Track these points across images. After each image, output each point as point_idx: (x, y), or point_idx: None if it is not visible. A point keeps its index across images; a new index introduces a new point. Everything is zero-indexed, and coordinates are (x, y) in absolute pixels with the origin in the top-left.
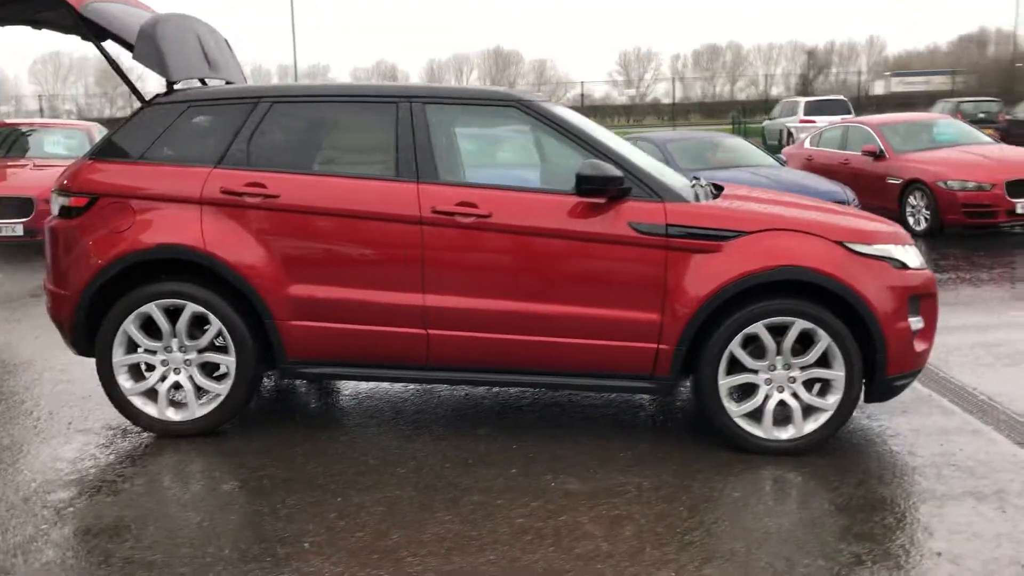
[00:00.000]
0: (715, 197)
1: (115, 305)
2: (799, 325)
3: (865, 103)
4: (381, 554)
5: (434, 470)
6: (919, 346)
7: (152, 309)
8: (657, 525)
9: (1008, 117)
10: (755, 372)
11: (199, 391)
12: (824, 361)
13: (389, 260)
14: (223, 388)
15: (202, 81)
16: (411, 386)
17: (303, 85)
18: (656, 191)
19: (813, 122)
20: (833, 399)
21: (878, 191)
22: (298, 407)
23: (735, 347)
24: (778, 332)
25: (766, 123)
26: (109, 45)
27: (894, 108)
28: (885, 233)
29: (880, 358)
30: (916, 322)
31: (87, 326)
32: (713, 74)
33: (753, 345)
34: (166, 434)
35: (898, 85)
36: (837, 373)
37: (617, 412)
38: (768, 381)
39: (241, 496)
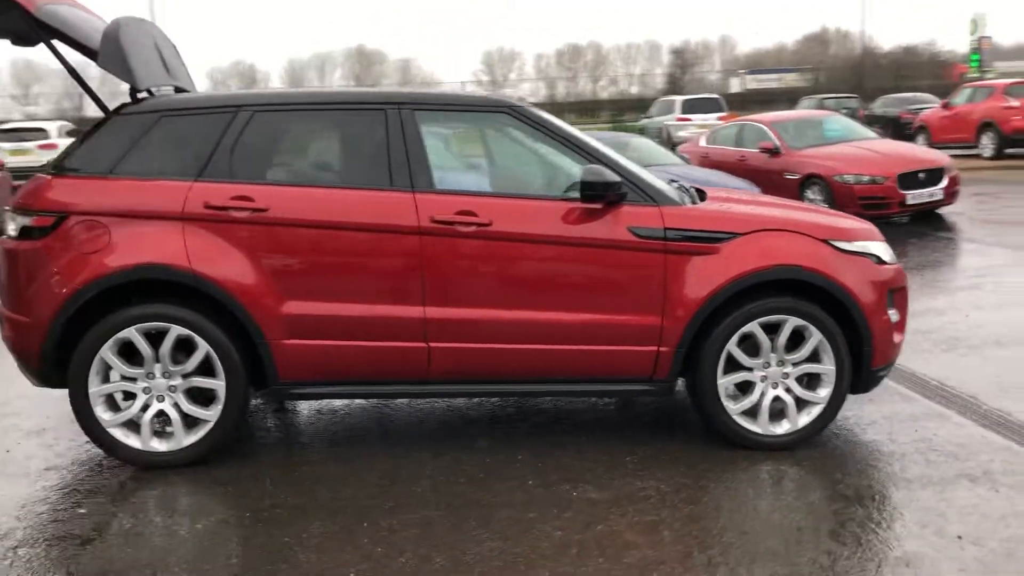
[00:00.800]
0: (701, 200)
1: (89, 331)
2: (792, 322)
3: (729, 101)
4: None
5: (451, 487)
6: (896, 338)
7: (132, 334)
8: (692, 528)
9: (866, 112)
10: (750, 370)
11: (186, 419)
12: (814, 356)
13: (387, 272)
14: (212, 414)
15: (178, 88)
16: (391, 401)
17: (285, 92)
18: (651, 195)
19: (690, 120)
20: (824, 392)
21: (776, 186)
22: (275, 428)
23: (732, 346)
24: (771, 330)
25: (644, 121)
26: (67, 52)
27: (758, 105)
28: (862, 230)
29: (866, 351)
30: (893, 315)
31: (56, 355)
32: (575, 73)
33: (747, 343)
34: (150, 466)
35: (752, 82)
36: (828, 367)
37: (603, 416)
38: (763, 378)
39: (259, 529)
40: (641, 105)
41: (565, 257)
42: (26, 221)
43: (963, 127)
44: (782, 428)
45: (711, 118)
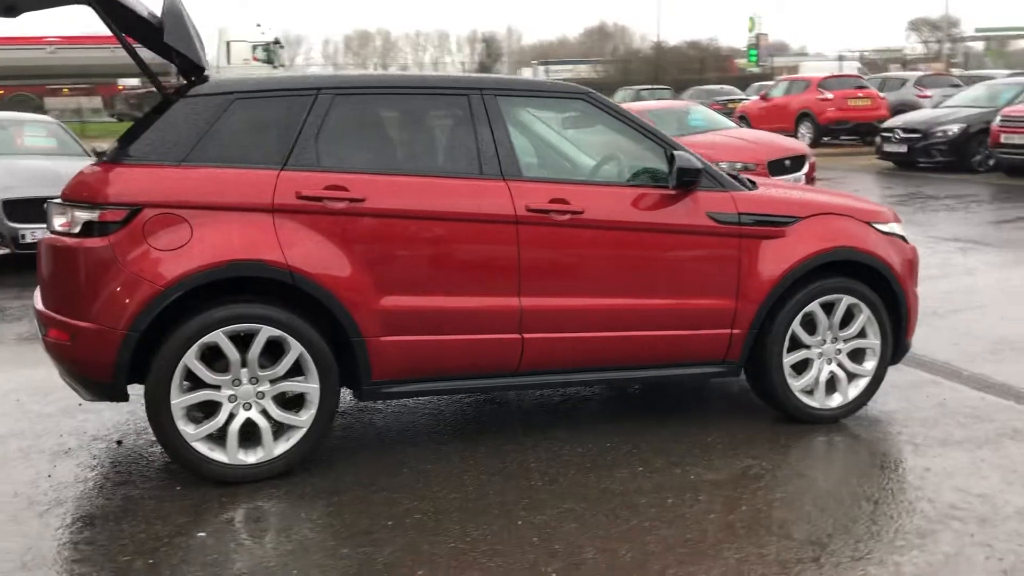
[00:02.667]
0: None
1: (172, 336)
2: (846, 301)
3: None
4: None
5: (568, 478)
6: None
7: (219, 337)
8: (826, 500)
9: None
10: (809, 348)
11: (275, 427)
12: (862, 331)
13: (484, 263)
14: (304, 420)
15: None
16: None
17: (364, 75)
18: (719, 180)
19: None
20: (870, 365)
21: None
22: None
23: (796, 326)
24: (826, 309)
25: None
26: None
27: None
28: (890, 213)
29: (903, 325)
30: (918, 290)
31: (130, 365)
32: (364, 60)
33: (805, 323)
34: (238, 481)
35: (545, 74)
36: (874, 342)
37: (640, 400)
38: (820, 355)
39: (416, 536)
40: None
41: (651, 244)
42: (89, 215)
43: (782, 117)
44: (835, 401)
45: None
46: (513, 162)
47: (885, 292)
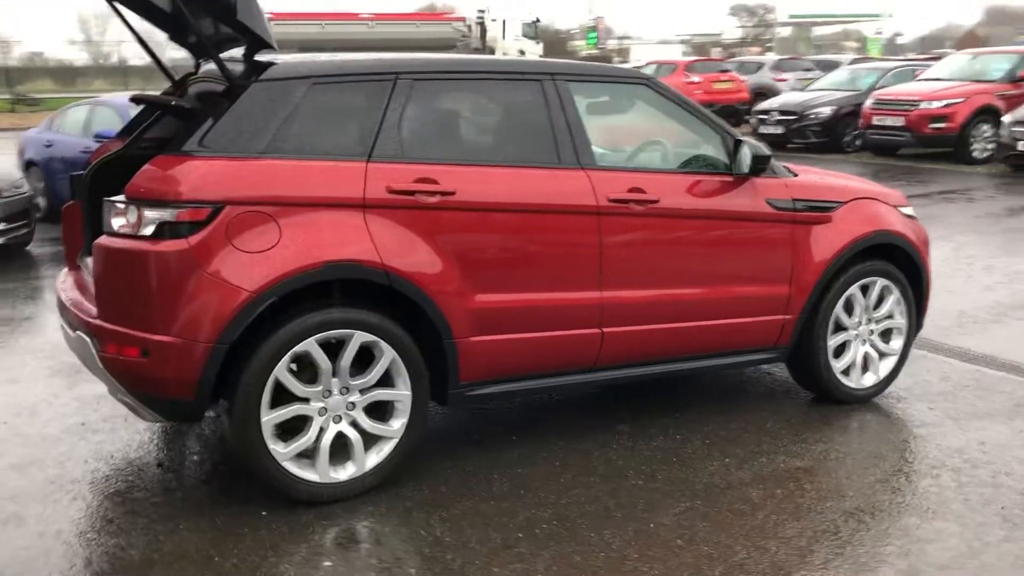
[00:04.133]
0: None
1: (262, 347)
2: (880, 283)
3: None
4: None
5: (665, 474)
6: None
7: (312, 346)
8: (941, 478)
9: None
10: (846, 330)
11: (366, 438)
12: (890, 312)
13: (570, 257)
14: (396, 429)
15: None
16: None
17: (439, 59)
18: (773, 168)
19: None
20: (897, 344)
21: None
22: None
23: (839, 309)
24: (862, 291)
25: None
26: None
27: None
28: (905, 196)
29: (924, 304)
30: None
31: (214, 381)
32: None
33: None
34: (330, 501)
35: None
36: (901, 321)
37: (676, 386)
38: (856, 336)
39: (556, 545)
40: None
41: (717, 232)
42: (164, 215)
43: None
44: (869, 381)
45: None
46: (588, 150)
47: (910, 273)
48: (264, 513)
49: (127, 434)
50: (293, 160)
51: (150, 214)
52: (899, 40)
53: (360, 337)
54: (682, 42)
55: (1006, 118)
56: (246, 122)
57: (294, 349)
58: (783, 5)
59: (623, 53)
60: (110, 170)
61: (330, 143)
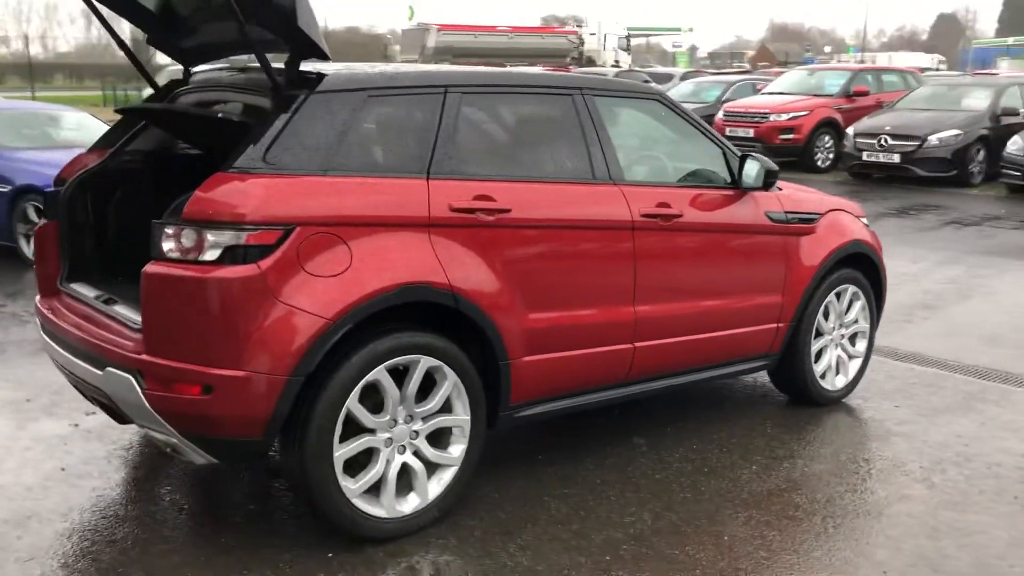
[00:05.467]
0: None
1: (335, 377)
2: (851, 290)
3: None
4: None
5: (708, 486)
6: None
7: (382, 374)
8: (948, 472)
9: None
10: (823, 335)
11: (428, 468)
12: (856, 317)
13: (610, 272)
14: (456, 457)
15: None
16: None
17: (484, 72)
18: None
19: None
20: (862, 347)
21: None
22: None
23: (820, 315)
24: (836, 298)
25: (147, 92)
26: None
27: None
28: (860, 208)
29: (881, 308)
30: None
31: (287, 417)
32: None
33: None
34: (394, 536)
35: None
36: (865, 326)
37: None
38: (831, 341)
39: (650, 565)
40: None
41: (731, 244)
42: (232, 238)
43: None
44: (841, 383)
45: None
46: (617, 165)
47: (872, 280)
48: (330, 555)
49: (118, 478)
50: (357, 177)
51: (214, 237)
52: (698, 55)
53: (426, 363)
54: None
55: (851, 130)
56: (307, 136)
57: (366, 378)
58: (592, 18)
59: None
60: (90, 187)
61: (389, 159)
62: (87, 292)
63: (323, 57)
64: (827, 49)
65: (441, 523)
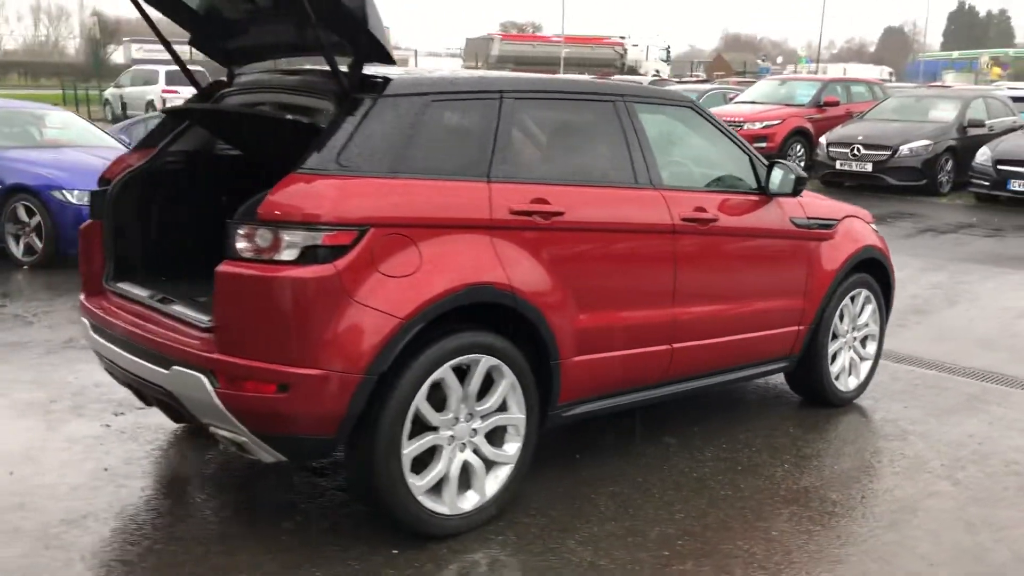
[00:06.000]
0: None
1: (405, 375)
2: (864, 294)
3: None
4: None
5: (747, 484)
6: None
7: (447, 372)
8: (968, 470)
9: None
10: (838, 338)
11: (486, 465)
12: (867, 320)
13: (652, 275)
14: (512, 455)
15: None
16: None
17: (534, 78)
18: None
19: (177, 92)
20: (871, 348)
21: None
22: None
23: (836, 319)
24: (851, 302)
25: (110, 91)
26: None
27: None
28: (870, 214)
29: (889, 312)
30: None
31: (359, 414)
32: None
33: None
34: (455, 533)
35: (138, 52)
36: (875, 328)
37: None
38: (845, 344)
39: (710, 561)
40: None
41: (759, 248)
42: (310, 238)
43: None
44: (853, 384)
45: None
46: (656, 170)
47: (882, 284)
48: (395, 551)
49: (163, 478)
50: (425, 180)
51: (290, 238)
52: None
53: (487, 362)
54: (452, 56)
55: (824, 139)
56: (377, 139)
57: (432, 376)
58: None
59: (403, 63)
60: (134, 186)
61: (452, 162)
62: (138, 291)
63: (389, 61)
64: (779, 59)
65: (498, 521)
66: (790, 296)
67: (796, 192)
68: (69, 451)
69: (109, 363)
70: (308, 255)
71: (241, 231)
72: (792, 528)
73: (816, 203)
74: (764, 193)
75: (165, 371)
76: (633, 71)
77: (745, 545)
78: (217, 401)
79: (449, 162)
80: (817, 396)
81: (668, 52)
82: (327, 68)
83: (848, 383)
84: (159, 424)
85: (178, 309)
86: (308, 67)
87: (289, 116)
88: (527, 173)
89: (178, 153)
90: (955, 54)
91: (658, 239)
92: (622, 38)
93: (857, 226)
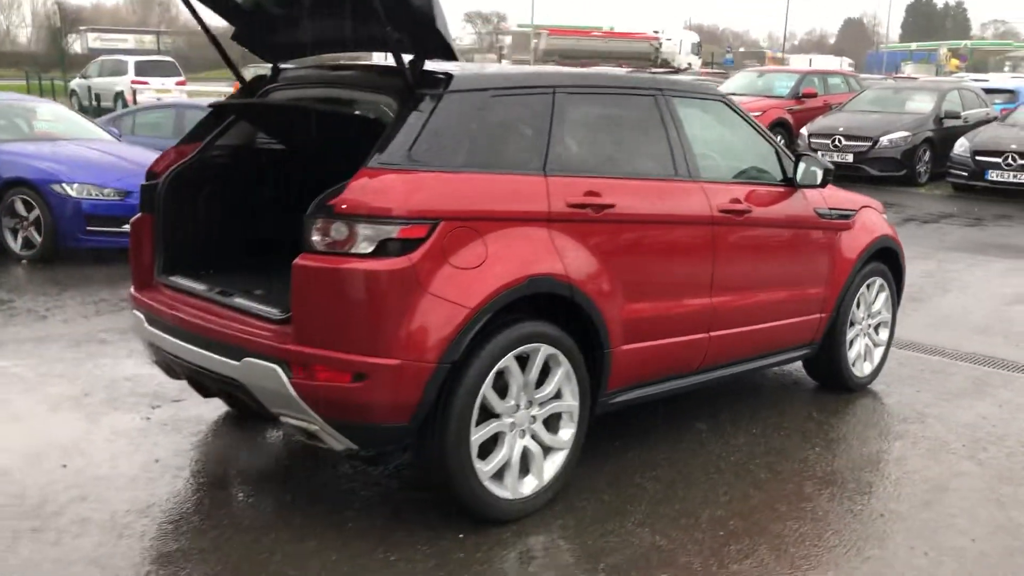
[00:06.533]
0: None
1: (473, 363)
2: (879, 282)
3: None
4: None
5: (784, 467)
6: None
7: (511, 361)
8: (990, 451)
9: None
10: (855, 325)
11: (544, 451)
12: (880, 308)
13: (693, 265)
14: (566, 440)
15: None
16: None
17: (580, 73)
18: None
19: (146, 83)
20: (884, 336)
21: None
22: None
23: (855, 306)
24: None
25: (76, 82)
26: None
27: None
28: (881, 205)
29: (900, 300)
30: None
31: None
32: None
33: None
34: (515, 517)
35: (96, 41)
36: (887, 316)
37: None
38: (861, 331)
39: (770, 536)
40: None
41: (788, 237)
42: (384, 232)
43: None
44: (867, 369)
45: (170, 82)
46: (695, 162)
47: (894, 272)
48: (461, 536)
49: (217, 469)
50: (487, 174)
51: (367, 231)
52: None
53: (545, 351)
54: None
55: (805, 130)
56: (444, 134)
57: (497, 365)
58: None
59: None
60: (183, 180)
61: (511, 156)
62: (194, 284)
63: (452, 57)
64: (741, 50)
65: (554, 505)
66: (814, 284)
67: (824, 184)
68: (116, 443)
69: (166, 355)
70: (383, 248)
71: (317, 225)
72: (835, 508)
73: (836, 194)
74: (790, 184)
75: (236, 362)
76: (667, 63)
77: (794, 524)
78: (291, 391)
79: (508, 156)
80: (835, 382)
81: (699, 46)
82: (381, 64)
83: (863, 368)
84: (198, 416)
85: (241, 302)
86: (360, 63)
87: (357, 111)
88: (579, 166)
89: (224, 147)
90: (913, 46)
91: (699, 230)
92: (656, 32)
93: (872, 216)
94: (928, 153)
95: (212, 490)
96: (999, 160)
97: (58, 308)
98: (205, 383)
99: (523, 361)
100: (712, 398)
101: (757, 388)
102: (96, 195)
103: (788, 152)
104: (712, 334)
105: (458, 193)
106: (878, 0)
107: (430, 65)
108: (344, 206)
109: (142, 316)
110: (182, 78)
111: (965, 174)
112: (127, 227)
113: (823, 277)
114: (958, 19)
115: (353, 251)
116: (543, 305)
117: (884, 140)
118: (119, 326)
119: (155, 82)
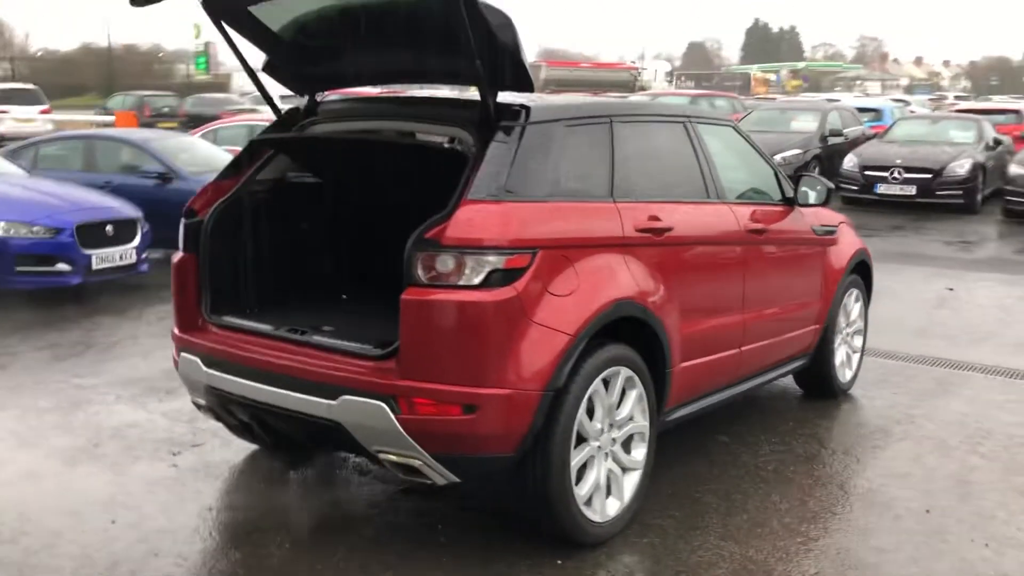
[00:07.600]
0: None
1: (572, 388)
2: (855, 293)
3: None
4: None
5: (822, 469)
6: None
7: (598, 385)
8: (984, 447)
9: (187, 111)
10: (839, 334)
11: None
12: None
13: (731, 282)
14: (640, 460)
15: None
16: None
17: (630, 103)
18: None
19: (7, 112)
20: (859, 342)
21: None
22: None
23: (840, 316)
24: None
25: None
26: None
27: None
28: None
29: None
30: None
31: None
32: None
33: None
34: (602, 539)
35: None
36: (861, 324)
37: None
38: (842, 340)
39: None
40: None
41: (796, 254)
42: (494, 262)
43: None
44: (848, 376)
45: (33, 111)
46: (722, 185)
47: (866, 282)
48: (559, 561)
49: (270, 509)
50: (572, 203)
51: (476, 262)
52: None
53: (625, 373)
54: None
55: None
56: (531, 165)
57: (589, 389)
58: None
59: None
60: (225, 217)
61: (584, 184)
62: (255, 324)
63: (529, 89)
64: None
65: (632, 524)
66: (812, 297)
67: (824, 203)
68: (155, 494)
69: (227, 398)
70: (489, 279)
71: (421, 258)
72: (885, 510)
73: (821, 212)
74: (790, 204)
75: (332, 401)
76: (643, 90)
77: (860, 521)
78: (398, 427)
79: (582, 184)
80: (823, 389)
81: (672, 75)
82: (446, 96)
83: (846, 375)
84: (224, 460)
85: (324, 340)
86: (416, 96)
87: (446, 144)
88: (639, 192)
89: (264, 182)
90: (755, 67)
91: (733, 249)
92: (633, 62)
93: (849, 231)
94: (816, 169)
95: (282, 533)
96: (886, 174)
97: (11, 356)
98: (274, 424)
99: (605, 384)
100: (719, 412)
101: (753, 399)
102: (25, 233)
103: (783, 174)
104: (743, 348)
105: (551, 222)
106: (719, 23)
107: (502, 97)
108: (450, 238)
109: (197, 359)
110: (46, 106)
111: (855, 188)
112: (61, 266)
113: (819, 290)
114: (792, 42)
115: (461, 283)
116: (615, 328)
117: (778, 158)
118: (87, 371)
119: (16, 111)
